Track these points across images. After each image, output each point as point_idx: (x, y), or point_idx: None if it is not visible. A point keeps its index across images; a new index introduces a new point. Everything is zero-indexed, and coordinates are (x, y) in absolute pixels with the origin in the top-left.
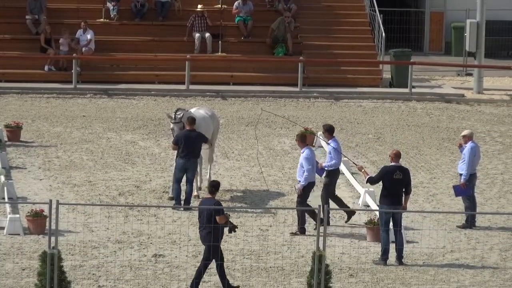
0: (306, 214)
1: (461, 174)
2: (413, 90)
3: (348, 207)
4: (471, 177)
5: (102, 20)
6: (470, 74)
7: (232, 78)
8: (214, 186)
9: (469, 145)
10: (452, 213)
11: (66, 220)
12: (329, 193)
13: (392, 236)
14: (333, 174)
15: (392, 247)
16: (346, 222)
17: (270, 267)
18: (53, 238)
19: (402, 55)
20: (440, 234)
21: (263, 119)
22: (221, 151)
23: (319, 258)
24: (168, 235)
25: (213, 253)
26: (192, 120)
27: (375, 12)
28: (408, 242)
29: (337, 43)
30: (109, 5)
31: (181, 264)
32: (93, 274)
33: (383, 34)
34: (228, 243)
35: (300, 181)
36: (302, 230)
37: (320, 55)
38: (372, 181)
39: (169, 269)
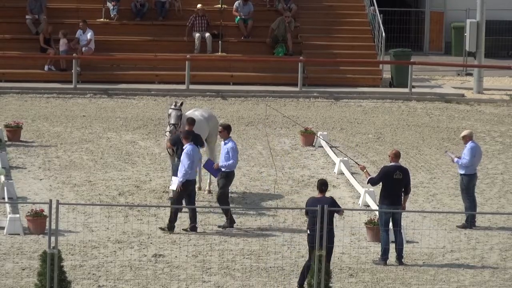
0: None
1: (461, 174)
2: (413, 90)
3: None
4: (472, 177)
5: (102, 20)
6: (470, 74)
7: (232, 78)
8: (324, 184)
9: (469, 145)
10: (452, 213)
11: (66, 220)
12: (226, 195)
13: (392, 236)
14: (230, 176)
15: (392, 247)
16: (219, 226)
17: (270, 267)
18: (53, 238)
19: (402, 55)
20: (440, 234)
21: (263, 119)
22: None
23: (319, 258)
24: (168, 235)
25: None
26: (192, 121)
27: (375, 12)
28: (408, 242)
29: (337, 43)
30: (109, 5)
31: (181, 264)
32: (93, 274)
33: (383, 34)
34: (228, 243)
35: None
36: (193, 228)
37: (320, 55)
38: (373, 182)
39: (169, 269)
